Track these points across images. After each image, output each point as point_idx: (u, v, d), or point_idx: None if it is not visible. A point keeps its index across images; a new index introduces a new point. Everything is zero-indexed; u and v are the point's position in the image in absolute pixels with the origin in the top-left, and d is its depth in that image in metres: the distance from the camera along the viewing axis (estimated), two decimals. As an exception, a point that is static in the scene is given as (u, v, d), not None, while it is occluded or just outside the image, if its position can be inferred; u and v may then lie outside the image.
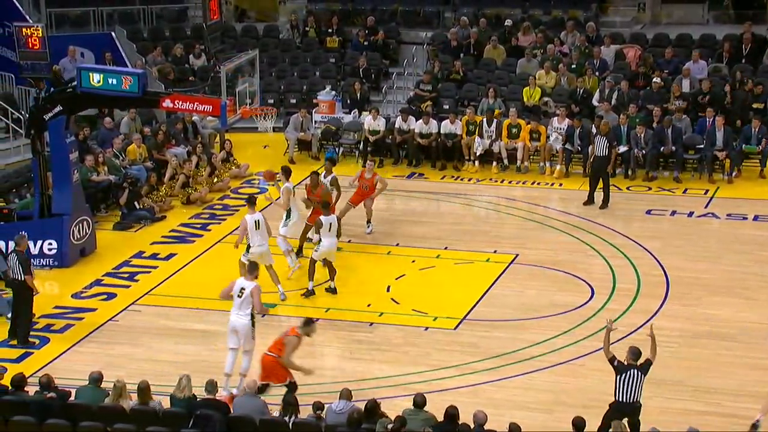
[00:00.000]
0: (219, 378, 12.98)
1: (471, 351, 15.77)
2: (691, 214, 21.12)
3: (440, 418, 12.18)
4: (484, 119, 23.89)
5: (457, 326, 16.63)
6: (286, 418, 12.39)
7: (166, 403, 12.88)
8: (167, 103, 18.56)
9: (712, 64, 25.50)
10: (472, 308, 17.16)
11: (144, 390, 12.79)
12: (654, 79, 24.53)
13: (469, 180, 23.45)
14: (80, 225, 19.24)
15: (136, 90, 18.00)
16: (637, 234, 20.08)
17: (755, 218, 20.85)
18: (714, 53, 25.97)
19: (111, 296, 17.90)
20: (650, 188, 22.64)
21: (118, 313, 17.26)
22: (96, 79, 18.09)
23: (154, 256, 19.53)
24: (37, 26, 24.03)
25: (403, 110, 24.70)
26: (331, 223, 17.53)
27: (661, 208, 21.47)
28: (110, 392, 12.86)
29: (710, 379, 14.85)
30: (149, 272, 18.77)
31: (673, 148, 22.91)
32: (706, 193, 22.12)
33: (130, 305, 17.54)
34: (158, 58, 27.10)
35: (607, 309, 17.00)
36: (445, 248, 19.48)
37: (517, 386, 14.82)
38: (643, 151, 22.99)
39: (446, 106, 25.45)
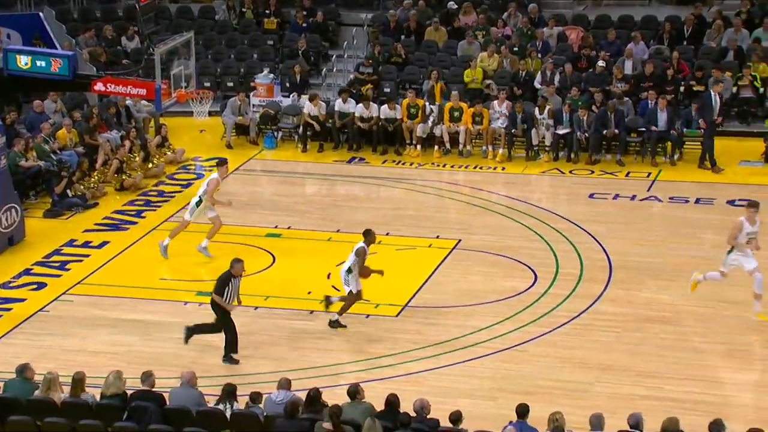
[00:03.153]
0: (155, 368, 12.66)
1: (414, 338, 15.62)
2: (633, 197, 21.08)
3: (380, 407, 11.94)
4: (426, 103, 23.65)
5: (399, 313, 16.47)
6: (221, 407, 12.09)
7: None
8: (99, 86, 18.42)
9: (654, 46, 25.48)
10: (414, 295, 17.01)
11: (79, 381, 12.41)
12: (599, 63, 24.41)
13: (411, 164, 23.21)
14: (8, 212, 18.74)
15: (66, 73, 17.78)
16: (579, 218, 20.00)
17: (697, 201, 20.87)
18: (656, 35, 25.96)
19: (41, 286, 17.50)
20: (593, 171, 22.55)
21: (48, 303, 16.89)
22: (24, 61, 17.81)
23: (86, 245, 19.11)
24: (-39, 6, 23.34)
25: (343, 90, 24.37)
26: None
27: (604, 191, 21.38)
28: (40, 385, 12.47)
29: (652, 364, 14.83)
30: (81, 261, 18.37)
31: (616, 131, 22.84)
32: (648, 176, 22.09)
33: (61, 295, 17.17)
34: (89, 39, 26.43)
35: (549, 294, 16.91)
36: (387, 234, 19.24)
37: (459, 373, 14.68)
38: (586, 134, 22.91)
39: (387, 89, 25.16)
